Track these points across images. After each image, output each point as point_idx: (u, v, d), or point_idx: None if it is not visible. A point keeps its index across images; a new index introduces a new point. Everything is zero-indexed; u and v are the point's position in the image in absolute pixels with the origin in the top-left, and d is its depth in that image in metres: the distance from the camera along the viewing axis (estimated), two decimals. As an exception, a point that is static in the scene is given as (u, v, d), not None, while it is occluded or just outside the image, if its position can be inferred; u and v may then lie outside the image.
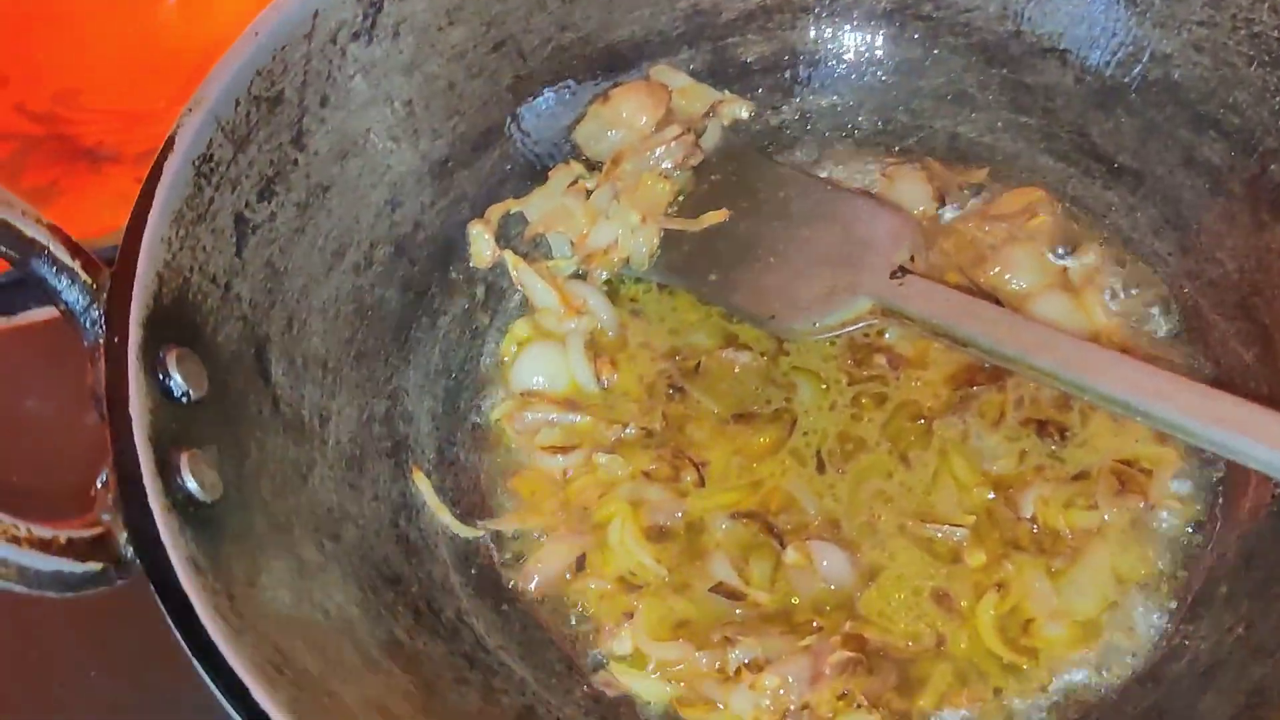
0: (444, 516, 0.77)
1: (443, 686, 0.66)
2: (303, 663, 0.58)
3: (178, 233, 0.65)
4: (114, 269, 0.63)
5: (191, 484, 0.59)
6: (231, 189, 0.70)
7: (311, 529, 0.68)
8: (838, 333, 0.78)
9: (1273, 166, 0.78)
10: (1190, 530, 0.75)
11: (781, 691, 0.69)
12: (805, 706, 0.69)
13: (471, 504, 0.80)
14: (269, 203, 0.73)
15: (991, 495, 0.76)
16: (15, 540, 0.51)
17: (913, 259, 0.78)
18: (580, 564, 0.76)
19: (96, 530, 0.56)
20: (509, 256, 0.85)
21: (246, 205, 0.71)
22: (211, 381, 0.65)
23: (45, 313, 1.05)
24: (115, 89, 1.12)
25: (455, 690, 0.67)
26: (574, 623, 0.75)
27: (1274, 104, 0.77)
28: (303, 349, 0.73)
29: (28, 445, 0.97)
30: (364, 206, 0.79)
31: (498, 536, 0.78)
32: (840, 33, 0.91)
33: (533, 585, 0.76)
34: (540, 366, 0.84)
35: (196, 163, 0.68)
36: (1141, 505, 0.75)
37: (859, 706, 0.68)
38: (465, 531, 0.77)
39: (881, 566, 0.75)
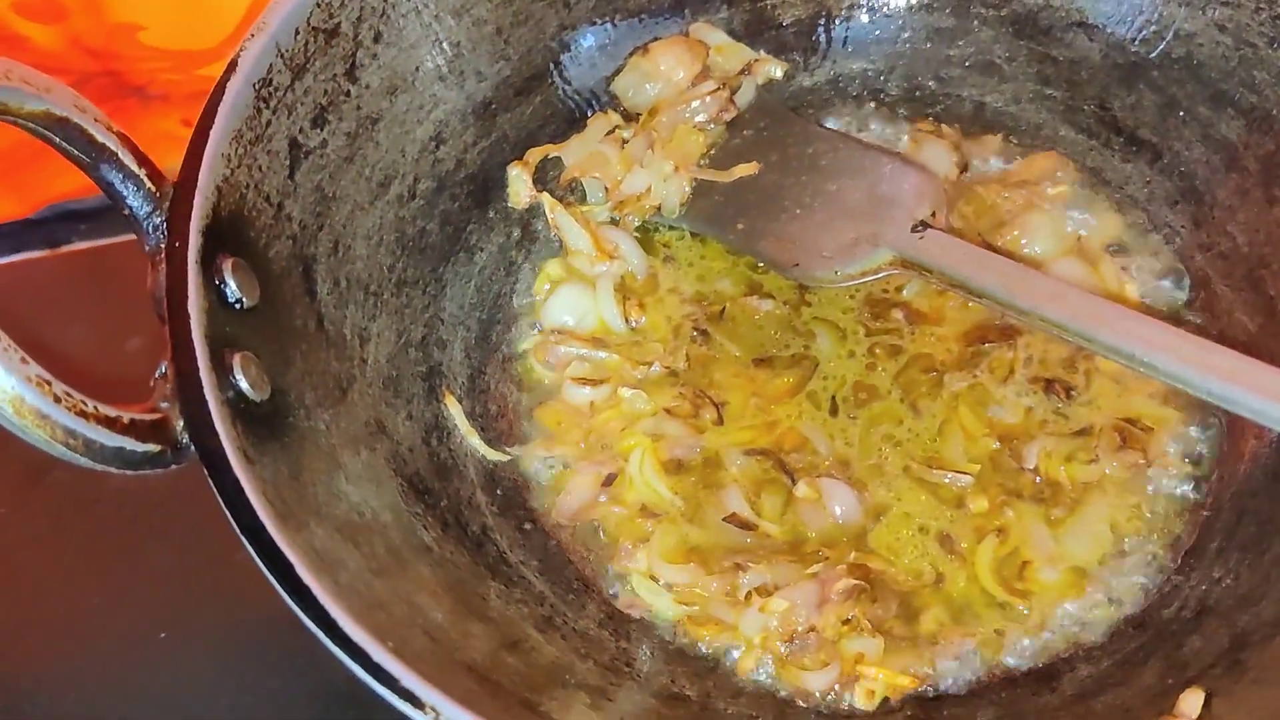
0: (473, 440, 0.81)
1: (467, 589, 0.70)
2: (340, 553, 0.62)
3: (236, 151, 0.69)
4: (177, 179, 0.67)
5: (243, 383, 0.63)
6: (288, 114, 0.73)
7: (349, 439, 0.71)
8: (858, 281, 0.81)
9: (1287, 144, 0.81)
10: (1187, 487, 0.78)
11: (789, 615, 0.72)
12: (811, 629, 0.72)
13: (499, 430, 0.83)
14: (321, 130, 0.76)
15: (996, 445, 0.79)
16: (84, 415, 0.55)
17: (934, 215, 0.81)
18: (609, 480, 0.79)
19: (156, 415, 0.59)
20: (546, 200, 0.88)
21: (300, 131, 0.74)
22: (262, 293, 0.68)
23: (87, 244, 1.08)
24: (172, 28, 1.14)
25: (478, 594, 0.70)
26: (592, 546, 0.79)
27: (1292, 84, 0.80)
28: (346, 272, 0.77)
29: (77, 366, 1.00)
30: (410, 141, 0.83)
31: (524, 461, 0.82)
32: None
33: (559, 511, 0.80)
34: (570, 306, 0.87)
35: (257, 86, 0.71)
36: (1141, 461, 0.78)
37: (863, 631, 0.72)
38: (493, 455, 0.81)
39: (888, 506, 0.78)
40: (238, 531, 0.57)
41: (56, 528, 0.90)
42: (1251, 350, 0.78)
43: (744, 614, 0.74)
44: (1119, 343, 0.69)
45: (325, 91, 0.76)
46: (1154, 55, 0.87)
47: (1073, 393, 0.81)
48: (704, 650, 0.74)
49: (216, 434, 0.59)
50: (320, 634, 0.55)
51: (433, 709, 0.52)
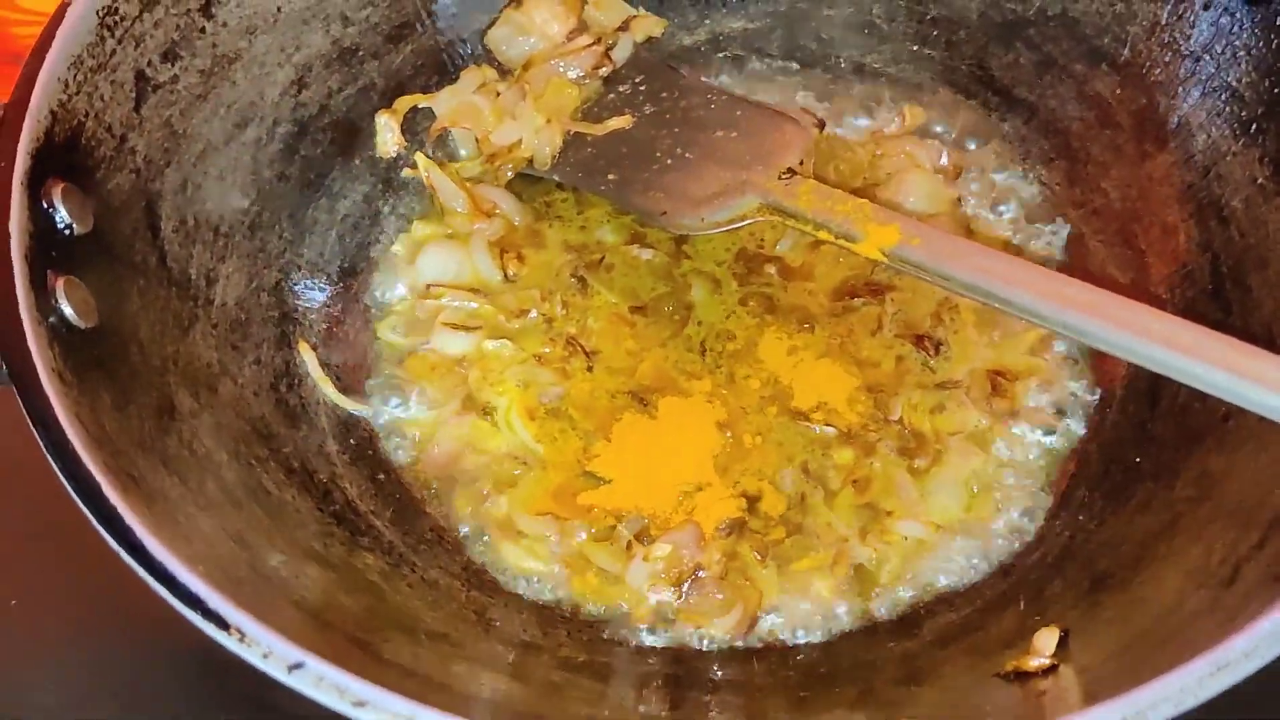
0: (326, 389, 0.78)
1: (306, 535, 0.67)
2: (160, 484, 0.59)
3: (75, 77, 0.66)
4: (8, 100, 0.64)
5: (66, 307, 0.60)
6: (135, 45, 0.71)
7: (188, 378, 0.68)
8: (725, 229, 0.79)
9: (1159, 99, 0.80)
10: (1054, 437, 0.77)
11: (674, 557, 0.72)
12: (698, 567, 0.72)
13: (357, 380, 0.81)
14: (172, 65, 0.73)
15: (864, 398, 0.78)
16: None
17: (801, 163, 0.79)
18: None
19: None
20: (421, 160, 0.86)
21: (149, 64, 0.72)
22: (98, 223, 0.65)
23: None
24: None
25: (319, 540, 0.67)
26: (451, 499, 0.77)
27: (1163, 37, 0.80)
28: (195, 211, 0.74)
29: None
30: (269, 84, 0.80)
31: (384, 414, 0.79)
32: (755, -43, 0.93)
33: (425, 463, 0.78)
34: (443, 262, 0.85)
35: (100, 13, 0.68)
36: (1009, 412, 0.77)
37: (749, 561, 0.72)
38: (347, 404, 0.78)
39: (759, 440, 0.77)
40: (45, 451, 0.54)
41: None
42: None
43: (629, 566, 0.72)
44: (976, 280, 0.67)
45: (178, 26, 0.74)
46: (1031, 13, 0.86)
47: (941, 347, 0.80)
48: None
49: (29, 353, 0.56)
50: (126, 557, 0.52)
51: (238, 630, 0.50)
